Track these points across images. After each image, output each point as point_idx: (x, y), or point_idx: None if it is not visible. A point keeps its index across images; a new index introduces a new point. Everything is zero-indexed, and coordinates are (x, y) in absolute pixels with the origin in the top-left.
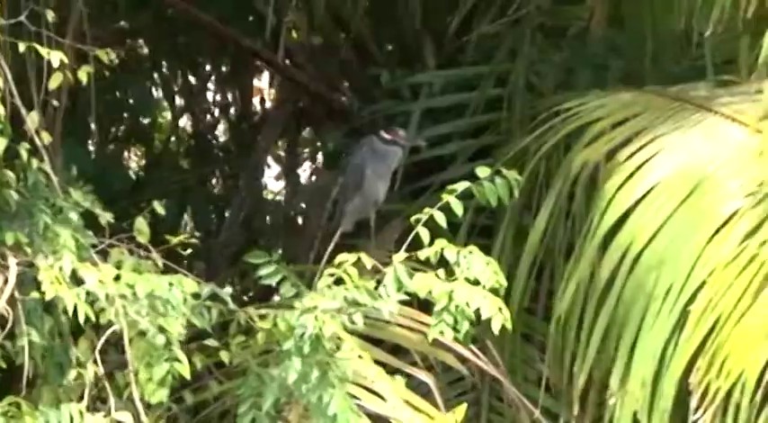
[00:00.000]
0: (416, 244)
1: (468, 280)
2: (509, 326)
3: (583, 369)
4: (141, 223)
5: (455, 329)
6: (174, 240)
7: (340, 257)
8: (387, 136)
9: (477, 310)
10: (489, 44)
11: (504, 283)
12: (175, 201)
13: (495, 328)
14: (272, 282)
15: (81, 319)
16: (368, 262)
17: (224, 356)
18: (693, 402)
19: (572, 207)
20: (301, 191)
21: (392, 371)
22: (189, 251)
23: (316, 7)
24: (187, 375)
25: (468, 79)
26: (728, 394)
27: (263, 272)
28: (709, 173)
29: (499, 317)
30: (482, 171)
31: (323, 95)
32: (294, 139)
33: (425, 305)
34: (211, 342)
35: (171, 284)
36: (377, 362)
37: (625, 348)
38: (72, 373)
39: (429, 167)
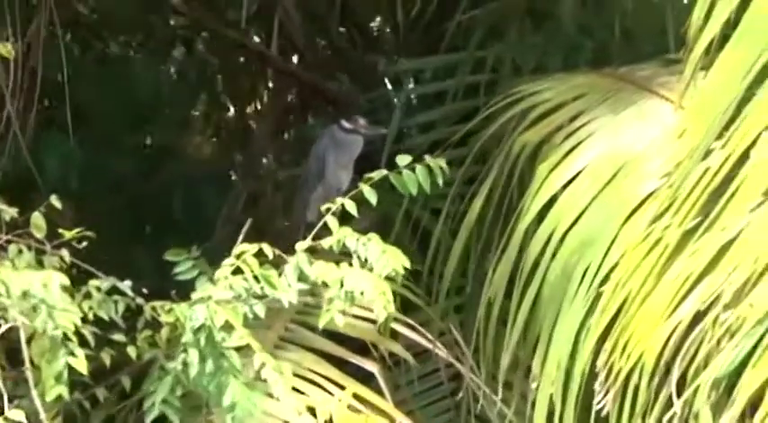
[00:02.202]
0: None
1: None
2: (391, 309)
3: (507, 351)
4: (37, 218)
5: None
6: (68, 235)
7: (240, 247)
8: (347, 125)
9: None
10: (471, 28)
11: (401, 270)
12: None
13: (377, 313)
14: (189, 277)
15: None
16: (269, 252)
17: (131, 351)
18: (597, 385)
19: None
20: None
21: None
22: None
23: None
24: (84, 371)
25: (455, 65)
26: (629, 377)
27: (179, 268)
28: (634, 154)
29: (381, 300)
30: (402, 159)
31: (317, 85)
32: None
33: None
34: (119, 337)
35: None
36: (322, 352)
37: (546, 330)
38: None
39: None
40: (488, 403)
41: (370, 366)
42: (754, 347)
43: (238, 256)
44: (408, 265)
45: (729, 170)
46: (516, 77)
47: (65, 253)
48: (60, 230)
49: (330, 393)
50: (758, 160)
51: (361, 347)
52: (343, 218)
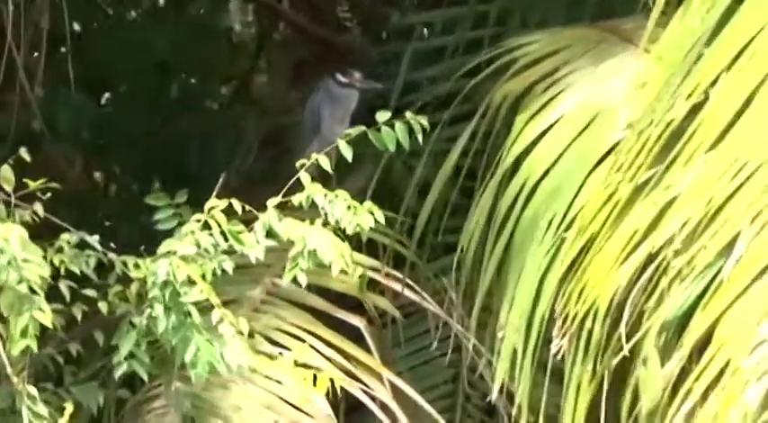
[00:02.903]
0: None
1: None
2: (349, 270)
3: (478, 298)
4: (6, 170)
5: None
6: (34, 185)
7: (210, 202)
8: (343, 79)
9: None
10: None
11: (366, 228)
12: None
13: (334, 271)
14: (168, 227)
15: None
16: (238, 207)
17: (102, 307)
18: (555, 330)
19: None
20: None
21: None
22: None
23: None
24: (49, 325)
25: (466, 18)
26: (583, 321)
27: (159, 216)
28: (608, 105)
29: (340, 261)
30: (381, 116)
31: (327, 38)
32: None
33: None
34: (90, 292)
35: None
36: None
37: (513, 279)
38: None
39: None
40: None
41: (357, 322)
42: (704, 291)
43: (207, 211)
44: (382, 219)
45: (686, 115)
46: (522, 31)
47: (38, 207)
48: (25, 180)
49: (315, 349)
50: (715, 102)
51: (358, 306)
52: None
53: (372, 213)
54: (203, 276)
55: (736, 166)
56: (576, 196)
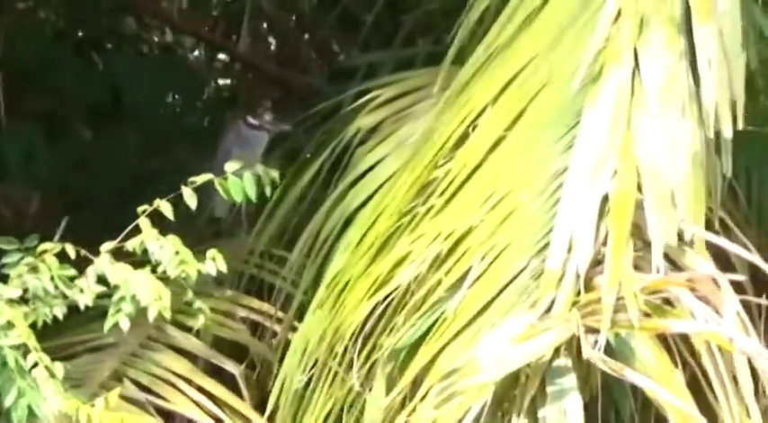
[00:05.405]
0: None
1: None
2: (167, 314)
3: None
4: None
5: None
6: None
7: (42, 246)
8: (253, 121)
9: None
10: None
11: (194, 274)
12: None
13: (151, 316)
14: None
15: None
16: (71, 251)
17: None
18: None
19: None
20: None
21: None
22: None
23: None
24: None
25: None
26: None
27: (6, 260)
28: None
29: (156, 305)
30: (230, 166)
31: (290, 81)
32: None
33: None
34: None
35: None
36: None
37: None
38: None
39: None
40: None
41: (232, 368)
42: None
43: (39, 254)
44: (224, 268)
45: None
46: None
47: None
48: None
49: (187, 396)
50: (473, 139)
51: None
52: None
53: (214, 260)
54: (34, 322)
55: (482, 198)
56: (367, 231)
